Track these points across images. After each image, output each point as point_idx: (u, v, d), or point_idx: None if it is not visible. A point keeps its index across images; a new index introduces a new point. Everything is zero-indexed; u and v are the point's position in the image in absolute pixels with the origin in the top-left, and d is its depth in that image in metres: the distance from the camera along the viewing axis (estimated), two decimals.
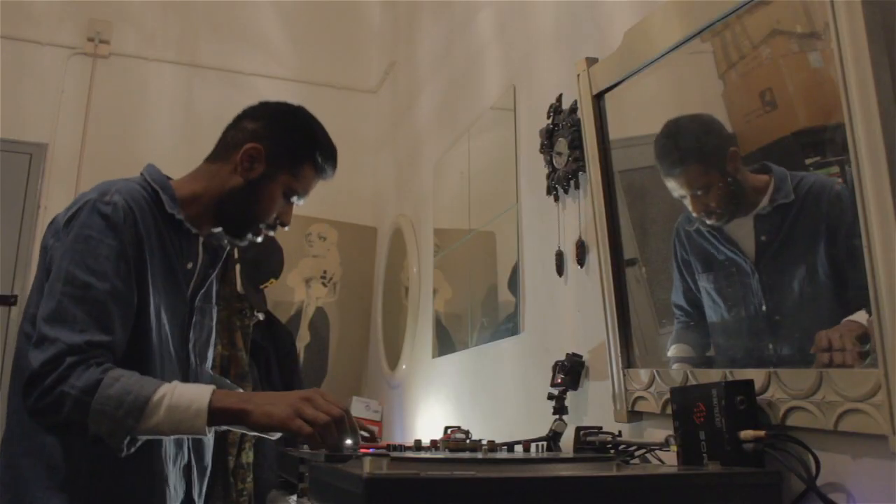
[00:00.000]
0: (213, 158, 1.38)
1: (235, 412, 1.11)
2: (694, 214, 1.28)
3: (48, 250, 1.22)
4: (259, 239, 1.38)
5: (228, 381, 1.57)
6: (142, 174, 1.33)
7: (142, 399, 1.08)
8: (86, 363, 1.09)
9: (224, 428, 1.41)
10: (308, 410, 1.09)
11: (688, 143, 1.36)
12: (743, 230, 1.18)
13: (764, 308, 1.14)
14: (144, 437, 1.13)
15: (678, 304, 1.33)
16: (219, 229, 1.38)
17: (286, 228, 1.41)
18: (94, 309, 1.13)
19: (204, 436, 1.14)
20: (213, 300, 1.44)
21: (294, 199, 1.37)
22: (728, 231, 1.22)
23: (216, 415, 1.10)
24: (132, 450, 1.12)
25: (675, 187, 1.35)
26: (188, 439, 1.33)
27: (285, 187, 1.34)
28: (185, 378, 1.32)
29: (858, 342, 0.95)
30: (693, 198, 1.29)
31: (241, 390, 1.53)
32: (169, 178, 1.35)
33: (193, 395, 1.10)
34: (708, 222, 1.26)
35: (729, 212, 1.23)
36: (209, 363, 1.44)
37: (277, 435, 1.40)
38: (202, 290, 1.37)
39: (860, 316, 0.95)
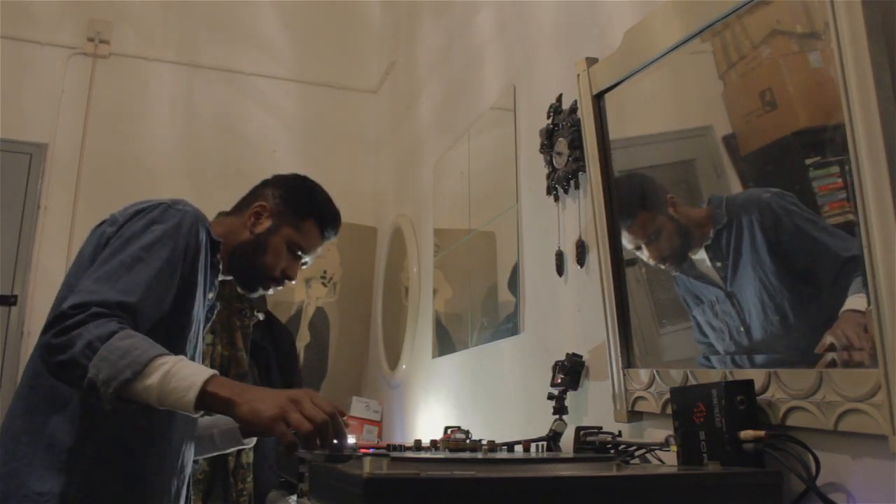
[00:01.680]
0: (232, 212, 1.53)
1: (224, 400, 1.10)
2: (651, 262, 1.38)
3: (101, 236, 1.28)
4: (270, 292, 1.52)
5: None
6: None
7: (146, 357, 1.09)
8: (108, 317, 1.12)
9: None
10: (294, 415, 1.08)
11: (633, 197, 1.48)
12: (705, 264, 1.24)
13: (743, 329, 1.17)
14: (131, 398, 1.10)
15: (703, 342, 1.31)
16: (229, 278, 1.48)
17: (293, 283, 1.55)
18: (137, 279, 1.18)
19: (190, 413, 1.12)
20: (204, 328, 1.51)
21: (300, 253, 1.50)
22: (698, 268, 1.28)
23: (206, 397, 1.09)
24: (115, 406, 1.09)
25: (630, 240, 1.45)
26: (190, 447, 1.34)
27: (288, 240, 1.48)
28: None
29: (862, 334, 0.95)
30: (648, 246, 1.40)
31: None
32: None
33: (193, 371, 1.11)
34: (663, 267, 1.36)
35: (680, 253, 1.32)
36: None
37: (252, 442, 1.50)
38: (208, 321, 1.46)
39: (854, 301, 0.96)
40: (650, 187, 1.44)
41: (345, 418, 1.24)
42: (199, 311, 1.32)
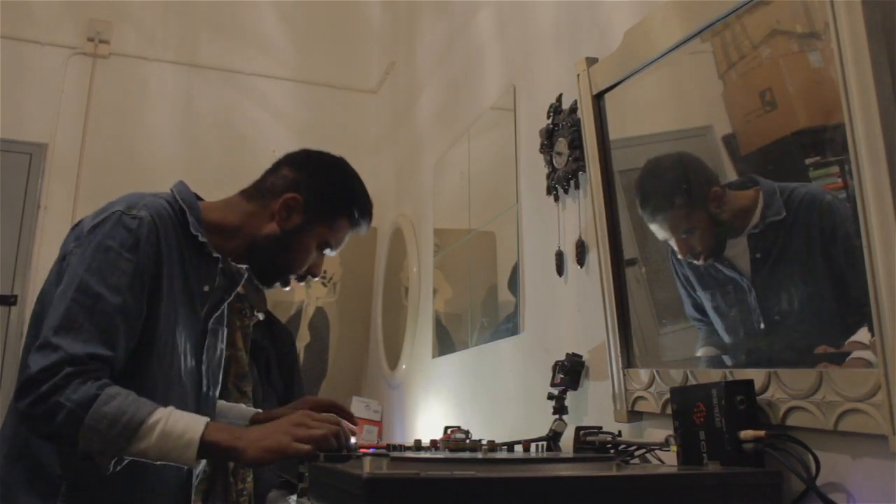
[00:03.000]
0: (249, 197, 1.36)
1: (226, 449, 1.09)
2: (680, 256, 1.29)
3: (68, 254, 1.20)
4: (287, 288, 1.38)
5: (243, 406, 1.53)
6: (171, 190, 1.31)
7: (136, 421, 1.06)
8: (83, 376, 1.07)
9: None
10: (302, 432, 1.09)
11: (670, 187, 1.36)
12: (737, 248, 1.18)
13: (762, 325, 1.14)
14: (132, 458, 1.11)
15: (693, 317, 1.31)
16: (245, 266, 1.36)
17: (316, 279, 1.41)
18: (102, 321, 1.11)
19: (193, 466, 1.12)
20: (224, 322, 1.42)
21: (327, 251, 1.37)
22: (723, 253, 1.22)
23: (207, 448, 1.08)
24: (118, 468, 1.10)
25: (658, 231, 1.35)
26: None
27: (320, 239, 1.35)
28: (197, 399, 1.30)
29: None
30: (678, 241, 1.30)
31: (247, 408, 1.52)
32: (199, 198, 1.34)
33: (187, 425, 1.08)
34: (695, 262, 1.26)
35: (715, 251, 1.23)
36: (219, 386, 1.42)
37: None
38: (216, 314, 1.35)
39: (862, 335, 0.95)
40: (695, 175, 1.30)
41: (354, 421, 1.24)
42: (170, 322, 1.22)
